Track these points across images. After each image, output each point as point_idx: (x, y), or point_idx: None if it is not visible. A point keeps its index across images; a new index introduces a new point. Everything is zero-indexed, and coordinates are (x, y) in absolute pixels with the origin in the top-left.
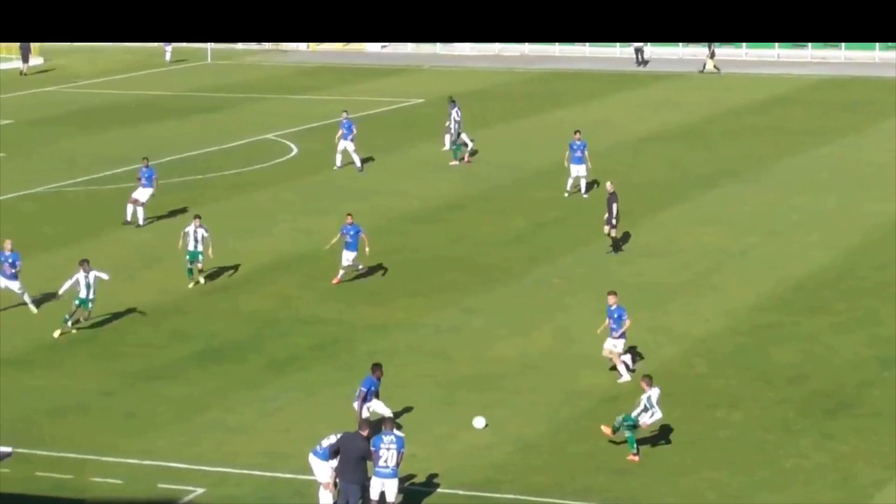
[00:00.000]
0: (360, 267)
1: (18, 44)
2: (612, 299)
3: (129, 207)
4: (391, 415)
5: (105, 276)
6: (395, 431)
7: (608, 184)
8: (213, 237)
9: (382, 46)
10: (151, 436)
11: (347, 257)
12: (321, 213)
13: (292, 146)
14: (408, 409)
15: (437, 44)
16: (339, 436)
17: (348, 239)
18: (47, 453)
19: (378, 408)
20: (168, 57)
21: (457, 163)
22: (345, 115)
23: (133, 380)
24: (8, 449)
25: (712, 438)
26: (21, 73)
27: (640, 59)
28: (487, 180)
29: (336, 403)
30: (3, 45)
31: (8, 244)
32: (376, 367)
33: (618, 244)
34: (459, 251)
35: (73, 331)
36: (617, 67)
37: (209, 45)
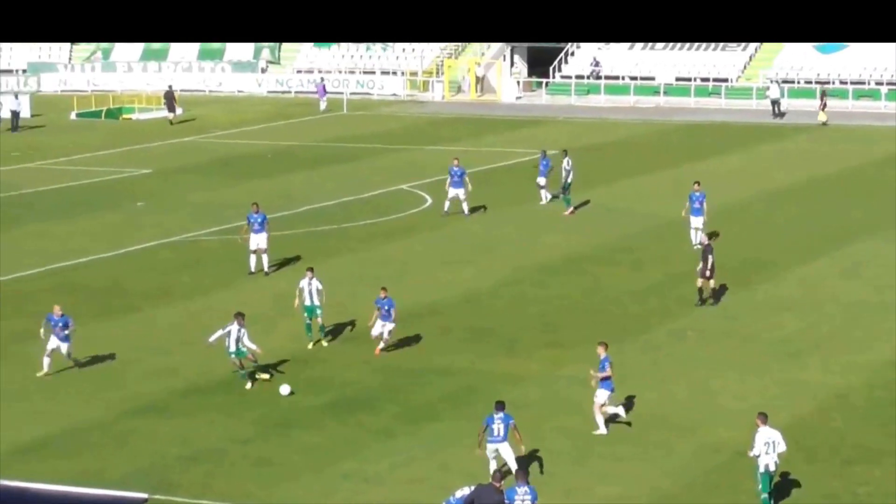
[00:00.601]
0: (386, 337)
1: (163, 94)
2: (601, 350)
3: (252, 258)
4: (514, 464)
5: (254, 347)
6: (529, 484)
7: (703, 236)
8: (327, 289)
9: (517, 98)
10: (286, 485)
11: (380, 327)
12: (454, 263)
13: (427, 197)
14: (541, 461)
15: (573, 95)
16: (472, 488)
17: (383, 311)
18: (182, 500)
19: (506, 454)
20: (323, 106)
21: (568, 213)
22: (455, 162)
23: (268, 428)
24: (143, 496)
25: (850, 494)
26: (170, 122)
27: (776, 112)
28: (622, 230)
29: (469, 454)
30: (150, 95)
31: (57, 309)
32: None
33: (717, 295)
34: (593, 302)
35: (267, 376)
36: (753, 119)
37: (346, 96)
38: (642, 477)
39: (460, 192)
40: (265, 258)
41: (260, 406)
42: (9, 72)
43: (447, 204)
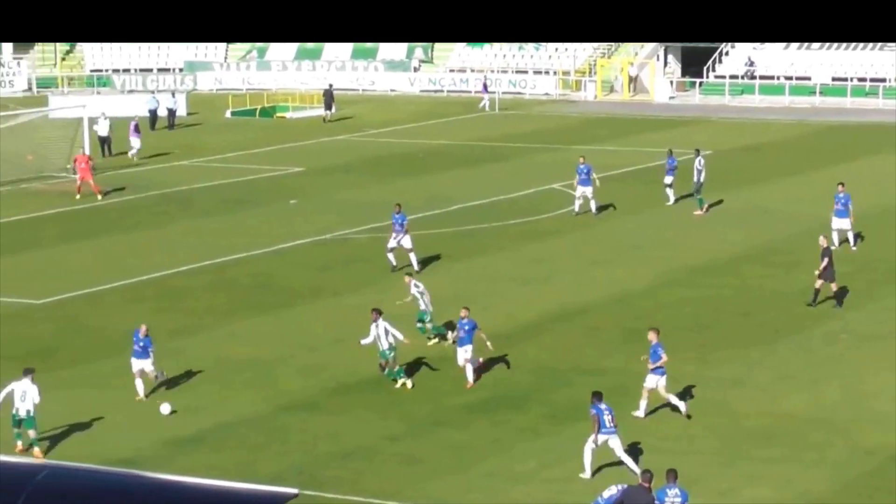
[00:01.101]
0: (479, 360)
1: (322, 92)
2: (652, 336)
3: (390, 256)
4: (625, 456)
5: (399, 336)
6: (679, 485)
7: (821, 238)
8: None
9: (670, 98)
10: (433, 482)
11: (463, 354)
12: (604, 263)
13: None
14: (690, 462)
15: (727, 95)
16: (620, 488)
17: (462, 333)
18: (331, 496)
19: (615, 445)
20: (484, 105)
21: (701, 213)
22: (581, 160)
23: (417, 425)
24: (293, 491)
25: None
26: (324, 120)
27: None
28: (776, 232)
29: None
30: (304, 94)
31: (143, 329)
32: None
33: (839, 298)
34: (744, 303)
35: (409, 383)
36: None
37: (497, 95)
38: (793, 479)
39: (588, 190)
40: (412, 256)
41: (409, 404)
42: (166, 70)
43: (577, 203)
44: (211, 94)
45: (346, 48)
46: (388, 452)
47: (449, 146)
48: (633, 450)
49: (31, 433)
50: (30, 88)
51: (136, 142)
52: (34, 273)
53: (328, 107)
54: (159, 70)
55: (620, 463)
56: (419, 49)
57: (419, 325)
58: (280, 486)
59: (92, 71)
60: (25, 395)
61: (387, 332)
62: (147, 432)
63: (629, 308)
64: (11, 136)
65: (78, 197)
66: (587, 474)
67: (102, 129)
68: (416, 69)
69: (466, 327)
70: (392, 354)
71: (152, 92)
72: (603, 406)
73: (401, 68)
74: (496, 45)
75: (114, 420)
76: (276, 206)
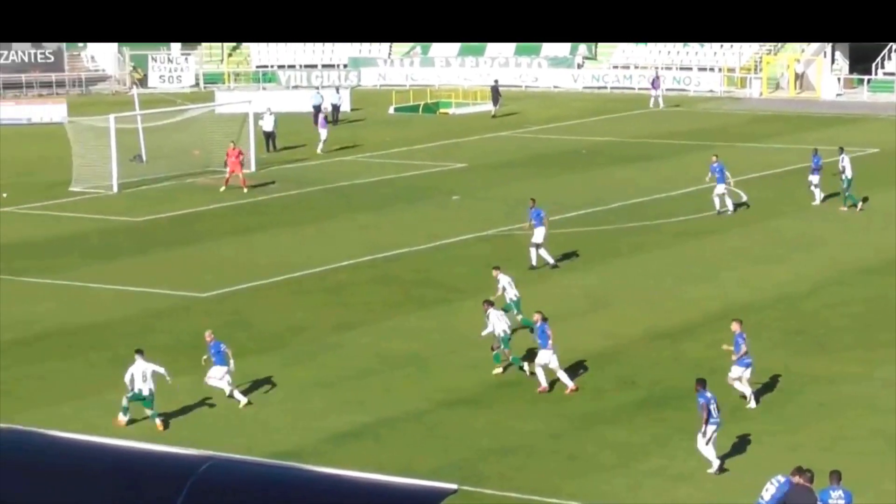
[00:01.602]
0: (554, 366)
1: (490, 88)
2: (735, 326)
3: (532, 252)
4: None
5: (503, 326)
6: (843, 486)
7: None
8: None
9: (837, 95)
10: (593, 480)
11: (546, 357)
12: (769, 261)
13: (741, 193)
14: (855, 463)
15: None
16: (778, 484)
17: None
18: (491, 492)
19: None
20: (657, 101)
21: (845, 209)
22: (714, 158)
23: (579, 423)
24: (453, 486)
25: None
26: (492, 116)
27: None
28: None
29: (779, 454)
30: (467, 90)
31: (208, 335)
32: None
33: None
34: None
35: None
36: None
37: (662, 92)
38: None
39: (721, 188)
40: (544, 252)
41: (570, 401)
42: (331, 66)
43: (716, 201)
44: (374, 90)
45: (510, 44)
46: (548, 449)
47: (612, 143)
48: (793, 447)
49: (148, 411)
50: (197, 84)
51: (323, 133)
52: (198, 267)
53: (495, 102)
54: (324, 66)
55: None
56: (583, 46)
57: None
58: (440, 481)
59: (258, 67)
60: (146, 375)
61: (500, 319)
62: (308, 425)
63: (791, 307)
64: (178, 131)
65: (222, 189)
66: (714, 469)
67: (267, 125)
68: (579, 66)
69: (541, 330)
70: (506, 339)
71: (317, 88)
72: (709, 394)
73: (564, 65)
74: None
75: (275, 413)
76: (439, 201)
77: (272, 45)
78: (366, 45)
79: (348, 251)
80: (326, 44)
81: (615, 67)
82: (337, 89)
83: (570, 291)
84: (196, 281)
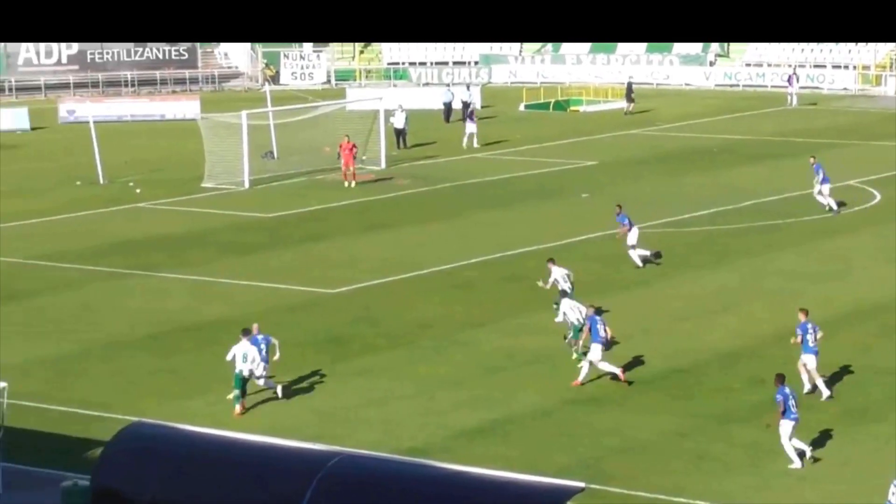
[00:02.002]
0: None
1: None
2: (801, 315)
3: (632, 254)
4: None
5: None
6: None
7: None
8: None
9: None
10: (720, 480)
11: (598, 352)
12: None
13: (875, 192)
14: None
15: None
16: None
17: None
18: (617, 490)
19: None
20: (792, 101)
21: None
22: (812, 160)
23: (706, 422)
24: (580, 484)
25: None
26: (625, 113)
27: None
28: None
29: None
30: (598, 87)
31: (255, 328)
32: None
33: None
34: None
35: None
36: None
37: (795, 90)
38: None
39: (825, 188)
40: (640, 252)
41: (698, 400)
42: (462, 64)
43: (824, 201)
44: (505, 87)
45: (642, 42)
46: (675, 448)
47: (743, 141)
48: None
49: (236, 391)
50: (328, 81)
51: (471, 126)
52: (329, 263)
53: (629, 100)
54: (455, 63)
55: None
56: (715, 43)
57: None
58: (567, 479)
59: (389, 64)
60: (247, 356)
61: (573, 309)
62: (437, 422)
63: None
64: (309, 128)
65: (346, 185)
66: (795, 464)
67: (398, 122)
68: (711, 63)
69: (591, 323)
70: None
71: (447, 85)
72: (788, 390)
73: (696, 62)
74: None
75: (403, 410)
76: (569, 199)
77: (404, 43)
78: (497, 42)
79: (477, 248)
80: (457, 41)
81: (747, 65)
82: (467, 86)
83: (701, 290)
84: (325, 277)
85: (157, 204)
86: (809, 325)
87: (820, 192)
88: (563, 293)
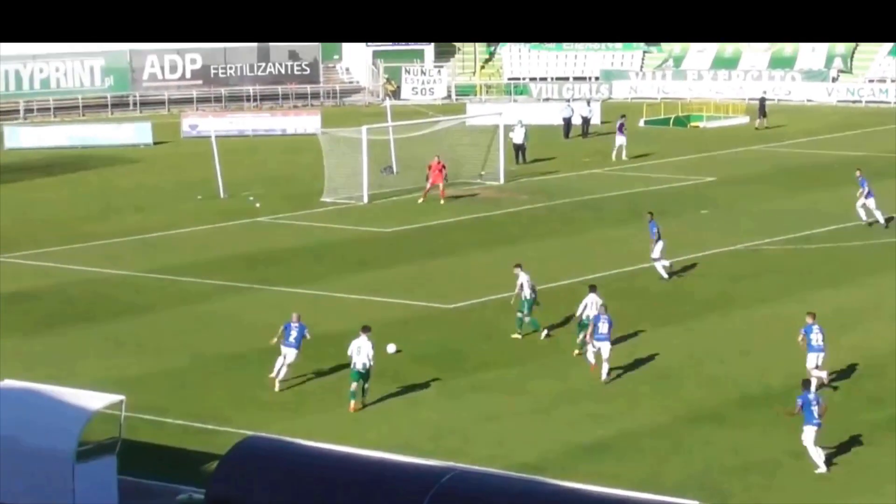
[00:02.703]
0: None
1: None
2: (808, 318)
3: (658, 266)
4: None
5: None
6: None
7: None
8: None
9: None
10: (841, 500)
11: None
12: None
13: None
14: None
15: None
16: None
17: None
18: None
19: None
20: None
21: None
22: (858, 173)
23: (822, 441)
24: (695, 503)
25: None
26: (756, 128)
27: None
28: None
29: None
30: (719, 103)
31: (294, 317)
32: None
33: None
34: None
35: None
36: None
37: None
38: None
39: (871, 202)
40: (664, 264)
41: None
42: (582, 79)
43: (861, 213)
44: (625, 103)
45: (764, 57)
46: (792, 468)
47: (865, 157)
48: None
49: (353, 385)
50: (449, 96)
51: (620, 139)
52: (446, 278)
53: (762, 114)
54: (575, 79)
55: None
56: (838, 58)
57: (518, 315)
58: (682, 497)
59: (510, 79)
60: (360, 349)
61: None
62: (551, 439)
63: None
64: (429, 143)
65: (420, 201)
66: (821, 469)
67: (518, 137)
68: (834, 79)
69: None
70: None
71: (568, 100)
72: (811, 396)
73: (818, 78)
74: None
75: (517, 426)
76: (688, 215)
77: (525, 57)
78: (618, 57)
79: (597, 264)
80: (578, 56)
81: (871, 81)
82: (588, 102)
83: (821, 308)
84: (442, 292)
85: (276, 218)
86: (815, 328)
87: (863, 206)
88: (592, 287)
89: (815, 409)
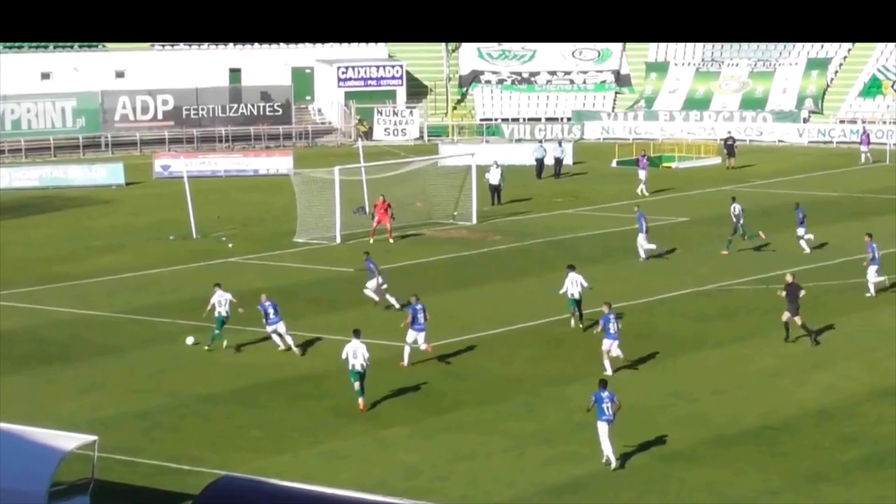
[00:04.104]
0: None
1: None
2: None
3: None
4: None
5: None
6: None
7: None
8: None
9: None
10: None
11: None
12: None
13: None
14: None
15: None
16: None
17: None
18: None
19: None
20: (865, 158)
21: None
22: (868, 239)
23: (798, 481)
24: None
25: None
26: (727, 168)
27: None
28: None
29: None
30: (690, 143)
31: (263, 297)
32: None
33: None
34: None
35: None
36: None
37: (889, 147)
38: None
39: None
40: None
41: (789, 458)
42: (554, 120)
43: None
44: (597, 144)
45: (736, 98)
46: None
47: (836, 198)
48: None
49: (356, 385)
50: (421, 137)
51: (642, 174)
52: None
53: (730, 154)
54: (547, 119)
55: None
56: (809, 100)
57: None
58: None
59: (482, 120)
60: (356, 352)
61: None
62: (525, 479)
63: None
64: (401, 184)
65: (371, 241)
66: (613, 463)
67: (494, 178)
68: (805, 120)
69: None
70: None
71: (540, 141)
72: (605, 394)
73: (789, 119)
74: (889, 95)
75: (492, 465)
76: (660, 256)
77: (496, 97)
78: (590, 98)
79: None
80: (550, 97)
81: (841, 122)
82: (559, 143)
83: (794, 347)
84: None
85: (249, 259)
86: (612, 317)
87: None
88: (571, 267)
89: (606, 406)
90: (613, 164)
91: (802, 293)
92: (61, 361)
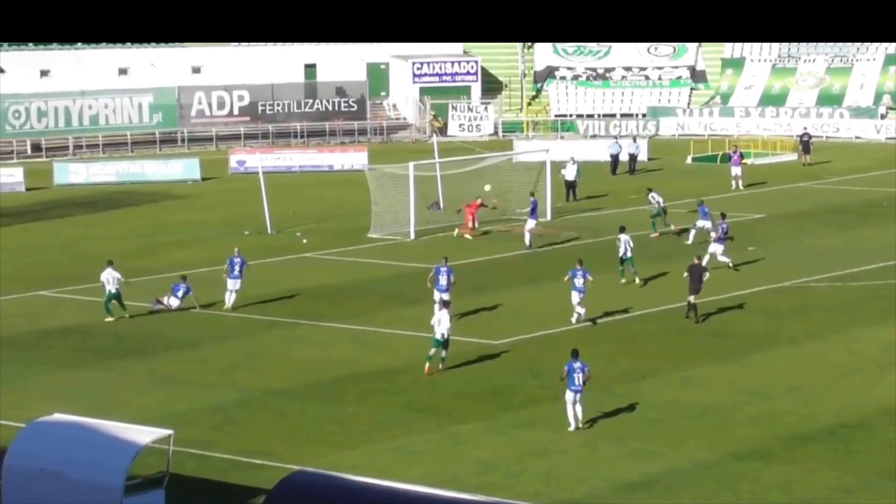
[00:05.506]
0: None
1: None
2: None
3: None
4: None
5: None
6: None
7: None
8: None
9: None
10: None
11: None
12: None
13: None
14: None
15: None
16: None
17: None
18: None
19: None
20: None
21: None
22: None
23: (874, 479)
24: None
25: None
26: (803, 164)
27: None
28: None
29: None
30: (766, 140)
31: (235, 250)
32: None
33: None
34: None
35: None
36: None
37: None
38: None
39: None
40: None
41: (866, 456)
42: (629, 116)
43: None
44: (672, 140)
45: (812, 94)
46: None
47: None
48: None
49: (432, 351)
50: (496, 133)
51: (736, 170)
52: (493, 314)
53: (806, 151)
54: (622, 115)
55: None
56: (887, 96)
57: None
58: None
59: (556, 116)
60: (440, 322)
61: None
62: (598, 475)
63: None
64: (476, 180)
65: (466, 236)
66: (572, 427)
67: (569, 174)
68: (882, 116)
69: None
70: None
71: (615, 137)
72: (577, 364)
73: (867, 115)
74: None
75: (563, 462)
76: (735, 252)
77: (571, 93)
78: (665, 94)
79: (642, 300)
80: (626, 93)
81: None
82: (634, 139)
83: (869, 345)
84: (489, 328)
85: (322, 254)
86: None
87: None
88: (622, 229)
89: (577, 376)
90: (688, 160)
91: (707, 275)
92: (136, 355)
